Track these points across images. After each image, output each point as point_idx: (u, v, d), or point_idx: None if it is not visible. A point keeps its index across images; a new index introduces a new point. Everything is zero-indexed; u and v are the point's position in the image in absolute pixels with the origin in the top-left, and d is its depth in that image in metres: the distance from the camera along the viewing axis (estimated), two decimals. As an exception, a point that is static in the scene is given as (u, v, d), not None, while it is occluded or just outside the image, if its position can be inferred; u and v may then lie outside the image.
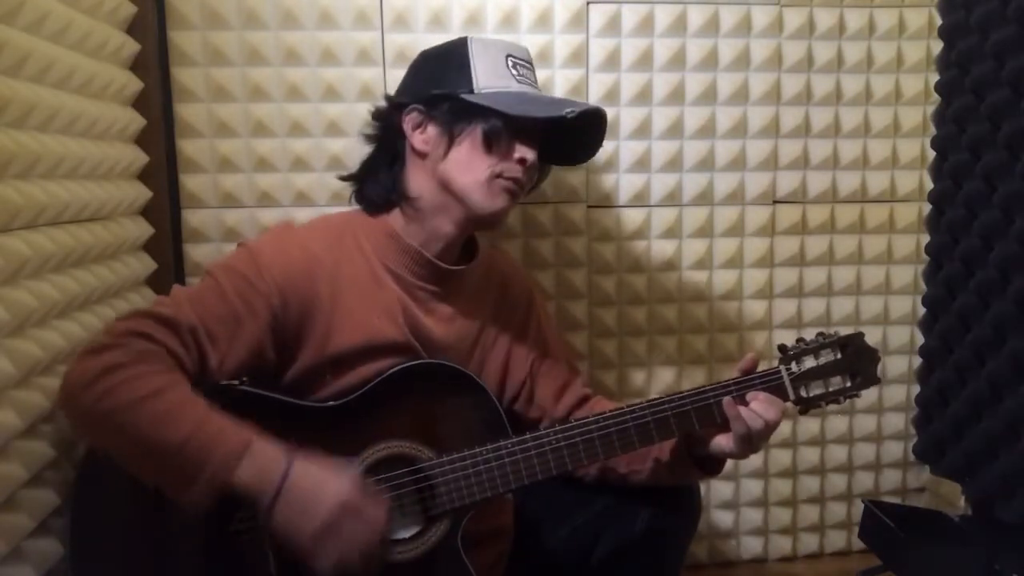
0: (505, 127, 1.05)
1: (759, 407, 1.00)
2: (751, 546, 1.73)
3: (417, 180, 1.10)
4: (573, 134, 1.11)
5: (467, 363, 1.14)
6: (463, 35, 1.12)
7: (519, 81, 1.09)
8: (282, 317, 1.02)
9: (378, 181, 1.13)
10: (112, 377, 0.87)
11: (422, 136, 1.09)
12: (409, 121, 1.09)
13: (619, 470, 1.14)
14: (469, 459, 1.01)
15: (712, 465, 1.09)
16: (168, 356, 0.92)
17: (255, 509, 0.88)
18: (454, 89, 1.06)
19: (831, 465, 1.73)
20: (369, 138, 1.16)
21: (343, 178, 1.19)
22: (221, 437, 0.86)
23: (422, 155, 1.09)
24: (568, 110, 1.03)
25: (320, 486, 0.87)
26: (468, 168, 1.06)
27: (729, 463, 1.10)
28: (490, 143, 1.05)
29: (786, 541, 1.74)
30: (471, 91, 1.06)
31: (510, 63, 1.10)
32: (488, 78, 1.07)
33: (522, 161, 1.07)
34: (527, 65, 1.13)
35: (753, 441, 1.00)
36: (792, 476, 1.72)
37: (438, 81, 1.09)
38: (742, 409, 1.00)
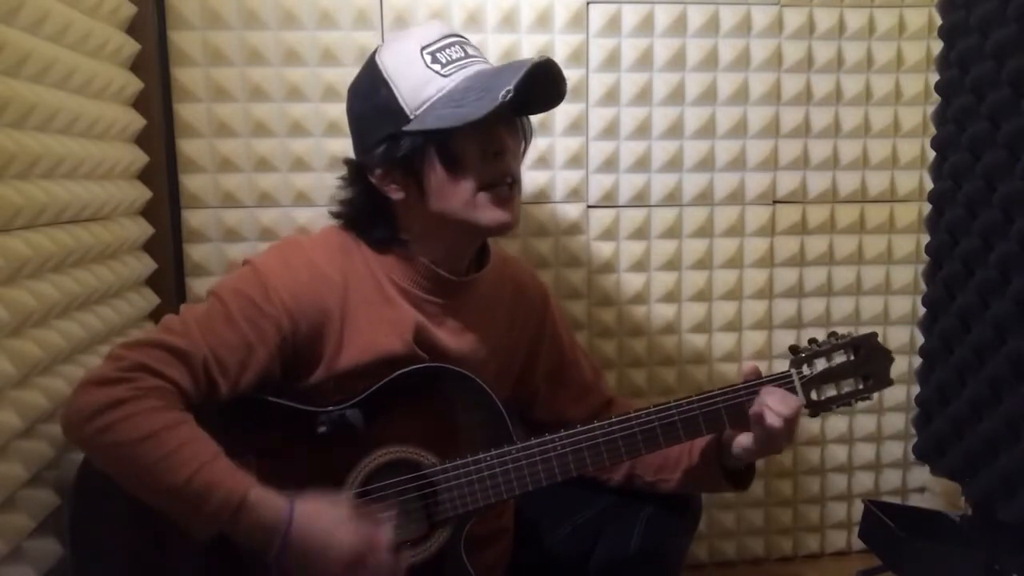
0: (456, 139, 0.97)
1: (772, 401, 0.97)
2: (751, 546, 1.73)
3: (409, 223, 1.06)
4: (533, 86, 0.97)
5: (482, 373, 1.10)
6: (376, 47, 1.05)
7: (446, 74, 0.98)
8: (292, 339, 1.00)
9: (372, 236, 1.08)
10: (115, 412, 0.86)
11: (394, 186, 1.03)
12: (377, 178, 1.04)
13: (646, 478, 1.13)
14: (473, 465, 1.00)
15: (741, 477, 1.08)
16: (176, 391, 0.90)
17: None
18: (393, 126, 0.99)
19: (831, 465, 1.73)
20: (347, 203, 1.11)
21: (334, 214, 1.13)
22: (218, 488, 0.85)
23: (404, 204, 1.04)
24: (503, 92, 0.91)
25: (325, 543, 0.87)
26: (451, 196, 1.00)
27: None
28: (452, 163, 0.99)
29: (786, 541, 1.74)
30: (407, 119, 0.98)
31: (427, 59, 0.99)
32: (414, 94, 0.98)
33: (496, 156, 1.00)
34: (446, 43, 1.02)
35: (773, 439, 0.97)
36: (792, 476, 1.72)
37: (376, 124, 1.02)
38: (759, 406, 0.98)
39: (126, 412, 0.86)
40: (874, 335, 1.06)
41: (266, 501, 0.87)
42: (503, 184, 1.01)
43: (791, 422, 0.97)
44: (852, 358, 1.04)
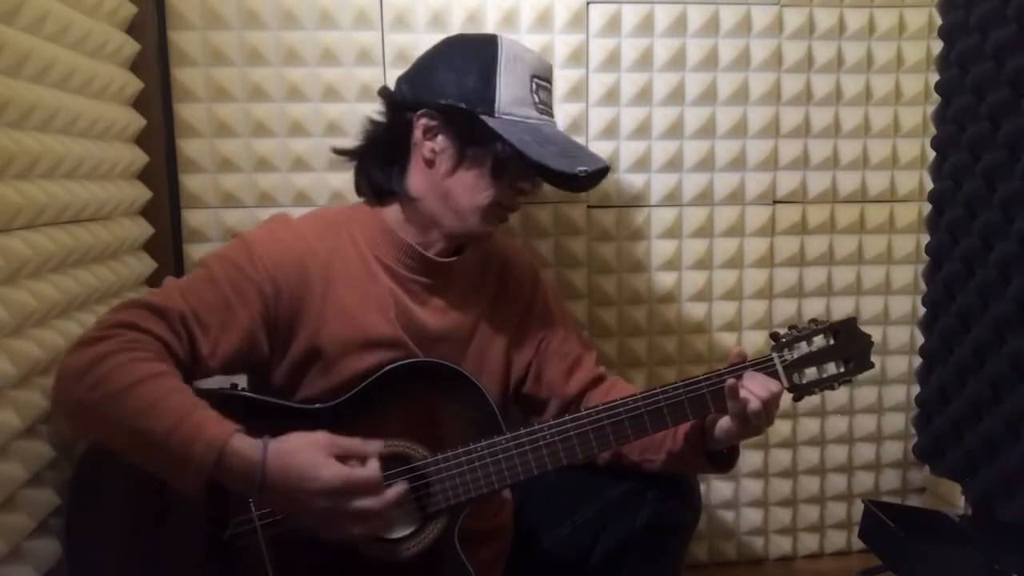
0: (515, 161, 1.03)
1: (750, 383, 1.00)
2: (751, 546, 1.73)
3: (419, 184, 1.09)
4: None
5: (465, 352, 1.15)
6: (498, 35, 1.09)
7: (539, 110, 1.08)
8: (274, 306, 1.02)
9: (380, 172, 1.12)
10: (101, 367, 0.87)
11: (431, 144, 1.07)
12: (421, 126, 1.07)
13: (632, 457, 1.14)
14: (464, 456, 1.01)
15: (723, 460, 1.09)
16: (158, 344, 0.92)
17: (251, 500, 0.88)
18: (474, 105, 1.04)
19: (831, 465, 1.73)
20: (375, 124, 1.14)
21: (337, 151, 1.17)
22: (200, 432, 0.85)
23: (428, 162, 1.08)
24: (581, 169, 1.03)
25: (301, 479, 0.86)
26: (471, 191, 1.06)
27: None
28: (499, 173, 1.05)
29: (786, 541, 1.74)
30: (492, 112, 1.04)
31: (534, 86, 1.08)
32: (511, 102, 1.05)
33: (522, 191, 1.09)
34: (548, 87, 1.12)
35: (749, 419, 1.00)
36: (792, 476, 1.72)
37: (460, 89, 1.05)
38: (733, 383, 1.00)
39: (111, 364, 0.87)
40: (853, 319, 1.09)
41: (245, 444, 0.87)
42: (511, 208, 1.11)
43: (769, 404, 0.99)
44: (832, 342, 1.07)
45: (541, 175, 1.05)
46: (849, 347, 1.07)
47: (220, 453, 0.84)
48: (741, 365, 1.04)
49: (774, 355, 1.05)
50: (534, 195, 1.19)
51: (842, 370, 1.07)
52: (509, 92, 1.05)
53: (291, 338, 1.04)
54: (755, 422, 1.00)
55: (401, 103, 1.10)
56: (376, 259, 1.09)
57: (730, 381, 1.00)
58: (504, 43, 1.08)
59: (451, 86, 1.06)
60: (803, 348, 1.06)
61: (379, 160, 1.12)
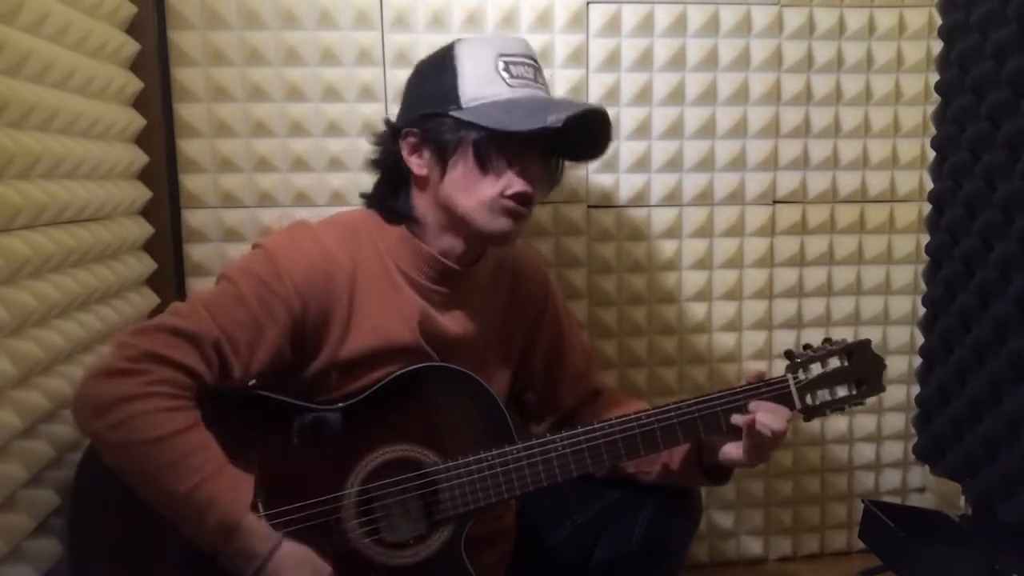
0: (495, 141, 1.00)
1: (765, 418, 1.00)
2: (751, 546, 1.73)
3: (421, 203, 1.08)
4: (577, 132, 1.02)
5: (483, 360, 1.14)
6: (456, 39, 1.08)
7: (511, 84, 1.02)
8: (302, 320, 1.01)
9: (387, 205, 1.10)
10: (127, 408, 0.86)
11: (419, 160, 1.06)
12: (406, 146, 1.06)
13: (628, 469, 1.14)
14: (475, 464, 1.00)
15: (719, 474, 1.09)
16: (187, 379, 0.91)
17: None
18: (442, 106, 1.02)
19: (831, 465, 1.73)
20: (373, 164, 1.13)
21: (364, 195, 1.17)
22: (217, 506, 0.87)
23: (423, 180, 1.06)
24: (552, 118, 0.95)
25: None
26: (468, 189, 1.02)
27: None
28: (483, 161, 1.01)
29: (786, 541, 1.74)
30: (459, 106, 1.01)
31: (501, 65, 1.03)
32: (476, 88, 1.01)
33: (523, 173, 1.02)
34: (523, 61, 1.06)
35: (762, 451, 1.01)
36: (792, 476, 1.72)
37: (428, 99, 1.05)
38: (749, 419, 1.00)
39: (136, 410, 0.86)
40: (868, 342, 1.09)
41: (257, 529, 0.89)
42: (521, 197, 1.03)
43: (780, 436, 1.00)
44: (846, 364, 1.07)
45: (514, 141, 0.99)
46: (862, 369, 1.07)
47: (230, 532, 0.87)
48: (756, 385, 1.04)
49: (789, 376, 1.05)
50: (558, 182, 1.14)
51: (854, 392, 1.07)
52: (472, 79, 1.02)
53: (318, 349, 1.03)
54: (766, 453, 1.01)
55: (388, 133, 1.10)
56: (398, 269, 1.08)
57: (747, 422, 1.00)
58: (463, 41, 1.06)
59: (419, 99, 1.07)
60: (817, 369, 1.06)
61: (384, 194, 1.12)
